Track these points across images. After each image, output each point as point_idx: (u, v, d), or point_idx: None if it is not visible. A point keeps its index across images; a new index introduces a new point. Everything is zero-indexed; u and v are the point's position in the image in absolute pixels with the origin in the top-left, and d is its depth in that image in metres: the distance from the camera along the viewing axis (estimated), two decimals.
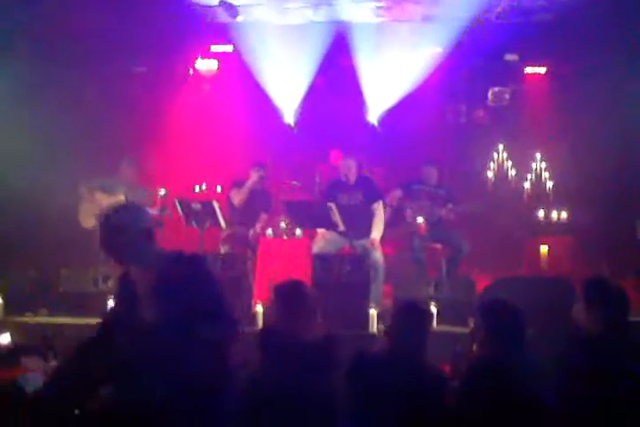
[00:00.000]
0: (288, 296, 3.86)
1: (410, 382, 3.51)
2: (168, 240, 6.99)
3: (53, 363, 4.30)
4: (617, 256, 7.34)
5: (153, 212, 7.12)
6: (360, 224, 6.68)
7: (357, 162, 7.01)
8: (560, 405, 3.48)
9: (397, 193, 7.19)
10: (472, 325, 5.54)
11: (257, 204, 7.29)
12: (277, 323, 3.81)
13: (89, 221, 7.22)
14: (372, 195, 6.89)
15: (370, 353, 3.89)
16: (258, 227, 7.25)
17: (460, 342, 4.96)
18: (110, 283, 6.26)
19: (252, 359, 3.70)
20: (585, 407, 3.44)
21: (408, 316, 3.74)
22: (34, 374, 4.07)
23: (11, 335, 4.71)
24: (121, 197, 7.24)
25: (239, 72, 9.36)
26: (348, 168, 6.92)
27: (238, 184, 7.35)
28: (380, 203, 6.86)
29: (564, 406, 3.47)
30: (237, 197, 7.28)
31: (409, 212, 7.17)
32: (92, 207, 7.20)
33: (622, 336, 3.63)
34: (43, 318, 5.94)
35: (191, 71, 9.74)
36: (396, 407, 3.49)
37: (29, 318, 5.93)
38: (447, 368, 4.10)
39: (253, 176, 7.26)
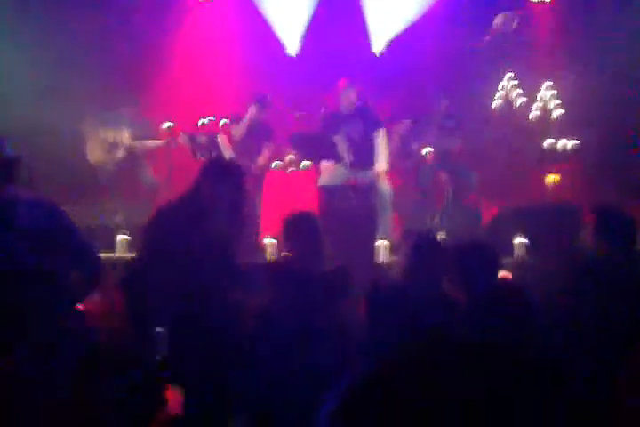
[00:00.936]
0: (297, 227, 3.89)
1: (425, 311, 3.56)
2: (176, 174, 7.01)
3: None
4: (624, 180, 7.31)
5: (157, 142, 7.12)
6: (364, 155, 6.62)
7: (357, 91, 6.89)
8: (567, 332, 3.53)
9: (405, 124, 7.11)
10: None
11: (258, 136, 7.24)
12: (288, 254, 3.85)
13: (95, 156, 7.22)
14: (373, 124, 6.78)
15: (385, 283, 3.93)
16: (262, 158, 7.22)
17: None
18: (118, 217, 6.29)
19: (263, 291, 3.75)
20: (593, 332, 3.50)
21: (423, 250, 3.75)
22: None
23: None
24: (124, 132, 7.22)
25: (241, 1, 9.15)
26: (348, 98, 6.81)
27: (237, 118, 7.29)
28: (381, 131, 6.75)
29: (572, 331, 3.53)
30: (237, 131, 7.22)
31: (416, 143, 7.12)
32: (97, 142, 7.19)
33: (632, 263, 3.66)
34: None
35: (192, 1, 9.51)
36: (414, 334, 3.55)
37: None
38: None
39: (251, 110, 7.17)
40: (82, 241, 3.44)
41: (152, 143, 7.17)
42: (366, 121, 6.76)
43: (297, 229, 3.87)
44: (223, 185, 3.74)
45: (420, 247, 3.78)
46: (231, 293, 3.68)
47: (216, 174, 3.81)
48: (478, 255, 3.59)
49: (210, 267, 3.60)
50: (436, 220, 6.17)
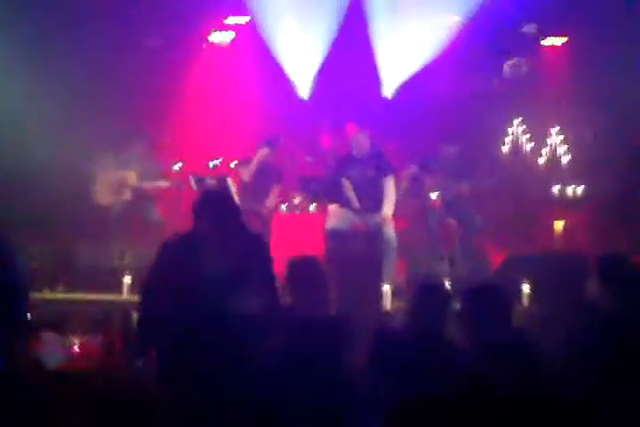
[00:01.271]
0: (302, 272, 3.87)
1: (431, 360, 3.52)
2: (184, 215, 7.03)
3: (72, 339, 4.36)
4: (634, 231, 7.28)
5: (164, 184, 7.16)
6: (372, 199, 6.65)
7: (369, 136, 6.94)
8: (572, 383, 3.48)
9: (413, 168, 7.14)
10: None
11: (267, 178, 7.27)
12: (290, 299, 3.82)
13: (104, 197, 7.27)
14: (384, 169, 6.82)
15: (389, 329, 3.89)
16: (270, 201, 7.25)
17: None
18: (126, 259, 6.31)
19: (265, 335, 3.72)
20: (599, 387, 3.44)
21: (429, 296, 3.73)
22: (53, 350, 4.13)
23: (29, 311, 4.76)
24: (132, 173, 7.27)
25: (254, 44, 9.29)
26: (360, 142, 6.86)
27: (247, 160, 7.33)
28: (392, 178, 6.80)
29: (575, 384, 3.47)
30: (246, 174, 7.26)
31: (424, 187, 7.13)
32: (106, 183, 7.24)
33: (637, 315, 3.61)
34: (60, 294, 6.00)
35: (206, 43, 9.68)
36: (417, 383, 3.51)
37: (47, 294, 5.99)
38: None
39: (261, 152, 7.22)
40: None
41: (160, 184, 7.22)
42: (378, 166, 6.80)
43: (299, 273, 3.85)
44: (209, 216, 3.71)
45: (424, 294, 3.75)
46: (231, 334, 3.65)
47: (202, 206, 3.79)
48: (490, 303, 3.55)
49: (208, 305, 3.57)
50: (444, 266, 6.13)
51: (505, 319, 3.56)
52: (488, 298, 3.60)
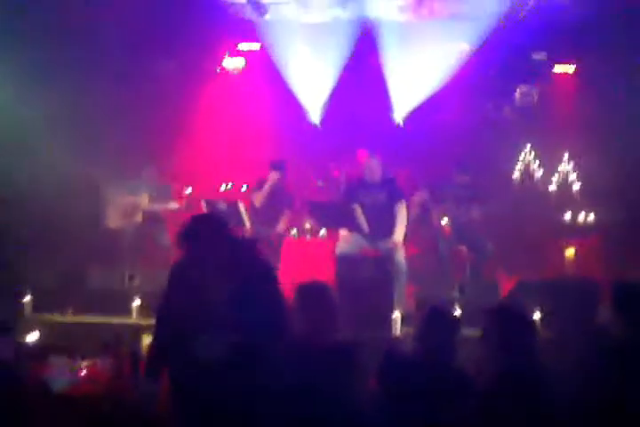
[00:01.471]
0: (310, 298, 3.85)
1: (439, 386, 3.50)
2: None
3: (80, 362, 4.35)
4: None
5: (175, 206, 7.20)
6: (382, 224, 6.65)
7: (382, 161, 6.97)
8: (583, 409, 3.45)
9: (423, 194, 7.14)
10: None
11: (278, 203, 7.30)
12: (299, 325, 3.80)
13: (115, 221, 7.31)
14: (396, 195, 6.84)
15: (399, 355, 3.87)
16: (281, 225, 7.26)
17: None
18: (136, 282, 6.32)
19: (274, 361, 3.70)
20: (609, 412, 3.41)
21: (438, 322, 3.72)
22: (61, 373, 4.13)
23: (39, 334, 4.77)
24: (144, 196, 7.32)
25: (266, 70, 9.39)
26: (372, 168, 6.89)
27: (259, 185, 7.36)
28: (404, 203, 6.81)
29: (587, 410, 3.44)
30: (258, 199, 7.28)
31: (434, 213, 7.13)
32: (117, 207, 7.29)
33: None
34: (70, 317, 6.00)
35: (218, 69, 9.79)
36: (424, 409, 3.49)
37: (57, 317, 6.00)
38: (471, 371, 4.08)
39: (272, 177, 7.25)
40: None
41: (171, 206, 7.26)
42: (390, 192, 6.81)
43: (309, 299, 3.83)
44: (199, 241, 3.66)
45: (432, 320, 3.74)
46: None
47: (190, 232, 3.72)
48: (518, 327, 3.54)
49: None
50: (455, 292, 6.10)
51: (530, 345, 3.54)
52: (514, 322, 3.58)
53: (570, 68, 9.45)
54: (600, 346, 3.68)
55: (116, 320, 5.93)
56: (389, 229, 6.69)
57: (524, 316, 3.59)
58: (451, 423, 3.47)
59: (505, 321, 3.56)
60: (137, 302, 6.02)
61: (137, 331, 4.41)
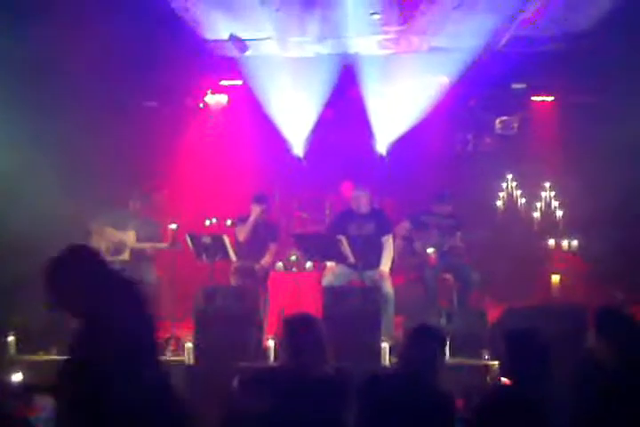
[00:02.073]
0: (297, 330, 3.83)
1: (418, 404, 3.48)
2: (179, 273, 7.03)
3: None
4: (629, 283, 7.29)
5: (163, 246, 7.17)
6: (369, 255, 6.68)
7: (369, 193, 7.03)
8: None
9: (406, 225, 7.19)
10: (486, 356, 5.53)
11: (263, 236, 7.29)
12: (287, 357, 3.78)
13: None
14: (384, 227, 6.90)
15: (382, 374, 3.85)
16: (266, 259, 7.25)
17: (472, 374, 4.93)
18: None
19: (263, 396, 3.67)
20: None
21: (420, 337, 3.71)
22: (47, 414, 4.06)
23: (23, 374, 4.70)
24: (131, 233, 7.29)
25: (248, 106, 9.47)
26: (360, 199, 6.94)
27: (241, 220, 7.36)
28: (391, 235, 6.88)
29: None
30: (242, 233, 7.27)
31: (418, 243, 7.16)
32: (103, 243, 7.25)
33: (636, 366, 3.59)
34: (54, 356, 5.93)
35: (201, 105, 9.86)
36: None
37: (41, 357, 5.92)
38: (459, 402, 4.05)
39: (255, 211, 7.26)
40: None
41: (158, 246, 7.23)
42: (379, 223, 6.86)
43: (296, 331, 3.81)
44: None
45: (418, 337, 3.73)
46: None
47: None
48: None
49: None
50: (442, 320, 6.09)
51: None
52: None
53: (549, 98, 9.59)
54: (587, 371, 3.68)
55: None
56: (377, 260, 6.72)
57: (542, 341, 3.56)
58: None
59: (522, 347, 3.53)
60: None
61: None
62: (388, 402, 3.54)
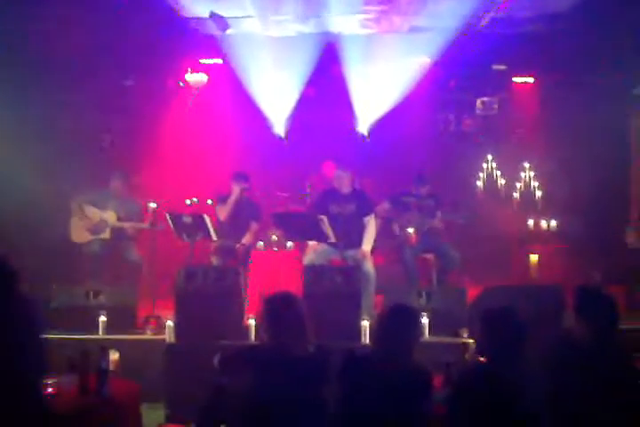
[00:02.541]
0: (278, 308, 3.85)
1: (394, 385, 3.52)
2: (160, 253, 7.02)
3: (46, 380, 4.29)
4: (607, 264, 7.38)
5: (144, 225, 7.16)
6: (351, 235, 6.71)
7: (351, 173, 7.04)
8: (551, 414, 3.48)
9: (386, 205, 7.22)
10: (464, 335, 5.59)
11: (244, 215, 7.30)
12: (268, 336, 3.80)
13: (80, 235, 7.25)
14: (366, 207, 6.92)
15: (358, 355, 3.88)
16: (247, 238, 7.26)
17: (451, 352, 4.98)
18: (102, 297, 6.26)
19: (244, 374, 3.69)
20: (575, 416, 3.46)
21: (396, 317, 3.74)
22: None
23: None
24: (111, 212, 7.27)
25: (229, 84, 9.40)
26: (342, 179, 6.95)
27: (222, 199, 7.35)
28: (373, 216, 6.90)
29: (555, 415, 3.48)
30: (222, 212, 7.28)
31: (398, 223, 7.20)
32: (83, 222, 7.23)
33: (612, 345, 3.65)
34: None
35: (181, 84, 9.77)
36: (382, 411, 3.50)
37: None
38: (438, 379, 4.10)
39: (235, 190, 7.26)
40: None
41: (139, 225, 7.21)
42: (360, 203, 6.88)
43: (277, 309, 3.83)
44: None
45: (396, 317, 3.76)
46: None
47: None
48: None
49: None
50: (421, 300, 6.15)
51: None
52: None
53: (530, 79, 9.61)
54: (564, 351, 3.73)
55: (81, 337, 5.86)
56: (358, 240, 6.75)
57: (517, 318, 3.59)
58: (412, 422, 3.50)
59: (501, 324, 3.56)
60: (103, 318, 5.97)
61: (103, 347, 4.35)
62: (365, 382, 3.57)
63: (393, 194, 7.43)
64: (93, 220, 7.23)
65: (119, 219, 7.26)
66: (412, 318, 3.80)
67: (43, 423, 3.52)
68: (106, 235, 7.23)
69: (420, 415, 3.57)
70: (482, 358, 3.63)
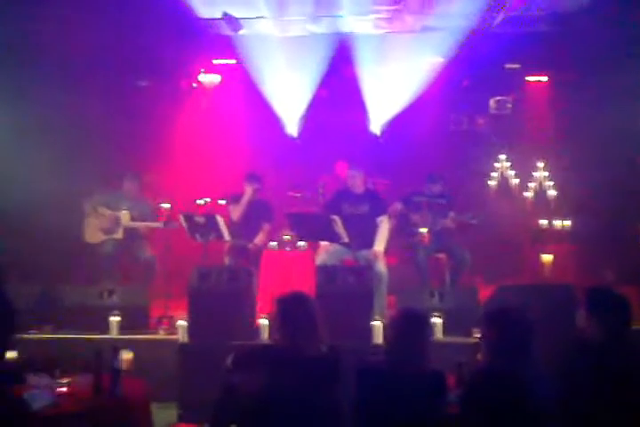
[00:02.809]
0: (290, 308, 3.85)
1: (409, 390, 3.51)
2: (173, 253, 7.05)
3: (59, 380, 4.32)
4: (620, 263, 7.34)
5: (157, 225, 7.18)
6: (363, 235, 6.70)
7: (364, 173, 7.05)
8: (563, 414, 3.47)
9: (398, 205, 7.21)
10: (476, 335, 5.58)
11: (256, 216, 7.32)
12: (280, 336, 3.80)
13: (93, 236, 7.28)
14: (379, 208, 6.92)
15: (372, 361, 3.88)
16: (260, 238, 7.28)
17: (464, 352, 4.97)
18: (115, 297, 6.29)
19: (256, 374, 3.70)
20: (587, 416, 3.45)
21: (405, 323, 3.74)
22: (40, 392, 4.09)
23: (17, 352, 4.72)
24: (124, 213, 7.30)
25: (242, 85, 9.44)
26: (355, 179, 6.96)
27: (235, 199, 7.38)
28: (386, 217, 6.90)
29: (567, 414, 3.47)
30: (235, 212, 7.31)
31: (411, 223, 7.19)
32: (97, 222, 7.27)
33: (624, 345, 3.63)
34: (48, 335, 5.95)
35: (195, 85, 9.81)
36: (398, 416, 3.50)
37: (34, 335, 5.94)
38: (452, 379, 4.10)
39: (248, 190, 7.28)
40: None
41: (152, 225, 7.24)
42: (373, 204, 6.88)
43: (289, 310, 3.84)
44: None
45: (406, 322, 3.75)
46: None
47: None
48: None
49: None
50: (434, 300, 6.13)
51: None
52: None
53: (543, 78, 9.58)
54: (578, 351, 3.72)
55: (94, 336, 5.89)
56: (370, 240, 6.74)
57: (523, 319, 3.58)
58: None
59: (505, 324, 3.55)
60: (116, 318, 6.00)
61: (116, 347, 4.38)
62: (380, 388, 3.56)
63: (405, 194, 7.42)
64: (106, 220, 7.26)
65: (132, 219, 7.30)
66: (421, 321, 3.79)
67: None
68: (119, 235, 7.26)
69: (436, 418, 3.56)
70: (487, 358, 3.62)
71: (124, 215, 7.28)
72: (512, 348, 3.44)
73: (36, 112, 7.39)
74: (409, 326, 3.70)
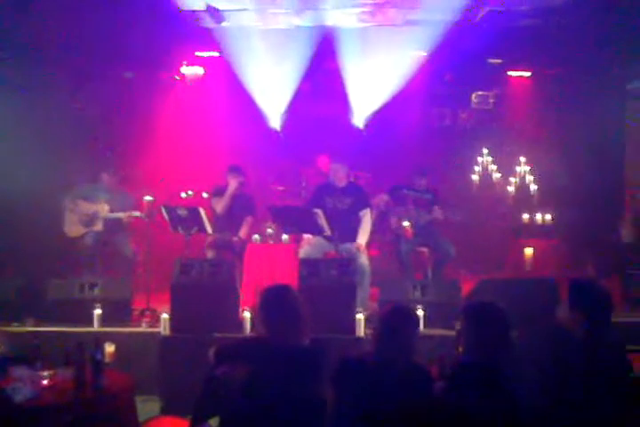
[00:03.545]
0: (274, 301, 3.86)
1: (396, 386, 3.53)
2: (155, 246, 7.02)
3: (41, 372, 4.29)
4: (601, 257, 7.41)
5: (136, 214, 7.15)
6: (346, 228, 6.72)
7: (347, 167, 7.05)
8: (542, 405, 3.50)
9: (383, 198, 7.22)
10: (458, 327, 5.61)
11: (240, 209, 7.31)
12: (263, 329, 3.80)
13: (74, 229, 7.24)
14: (361, 201, 6.94)
15: (354, 357, 3.89)
16: (243, 231, 7.27)
17: (446, 344, 5.00)
18: (97, 290, 6.26)
19: (239, 366, 3.70)
20: (566, 409, 3.48)
21: (394, 319, 3.74)
22: (22, 384, 4.07)
23: None
24: (104, 205, 7.26)
25: (225, 77, 9.39)
26: (338, 172, 6.96)
27: (218, 192, 7.35)
28: (369, 210, 6.91)
29: (546, 406, 3.50)
30: (219, 205, 7.29)
31: (395, 216, 7.21)
32: (76, 216, 7.22)
33: (607, 337, 3.67)
34: (30, 328, 5.92)
35: (177, 77, 9.75)
36: (382, 411, 3.51)
37: (16, 328, 5.91)
38: (434, 370, 4.12)
39: (232, 183, 7.27)
40: None
41: (132, 214, 7.20)
42: (356, 197, 6.89)
43: (273, 302, 3.84)
44: None
45: (391, 317, 3.76)
46: None
47: None
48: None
49: None
50: (416, 292, 6.16)
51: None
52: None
53: (525, 73, 9.62)
54: (559, 343, 3.75)
55: (77, 329, 5.87)
56: (353, 233, 6.76)
57: (500, 313, 3.59)
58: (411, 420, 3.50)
59: (482, 318, 3.56)
60: (98, 311, 5.97)
61: (98, 340, 4.36)
62: (363, 384, 3.54)
63: (393, 186, 7.43)
64: (85, 213, 7.22)
65: (111, 210, 7.26)
66: (411, 316, 3.80)
67: None
68: (98, 227, 7.22)
69: (419, 411, 3.58)
70: (465, 351, 3.64)
71: (102, 207, 7.24)
72: (489, 341, 3.46)
73: (13, 104, 7.33)
74: (400, 321, 3.70)
